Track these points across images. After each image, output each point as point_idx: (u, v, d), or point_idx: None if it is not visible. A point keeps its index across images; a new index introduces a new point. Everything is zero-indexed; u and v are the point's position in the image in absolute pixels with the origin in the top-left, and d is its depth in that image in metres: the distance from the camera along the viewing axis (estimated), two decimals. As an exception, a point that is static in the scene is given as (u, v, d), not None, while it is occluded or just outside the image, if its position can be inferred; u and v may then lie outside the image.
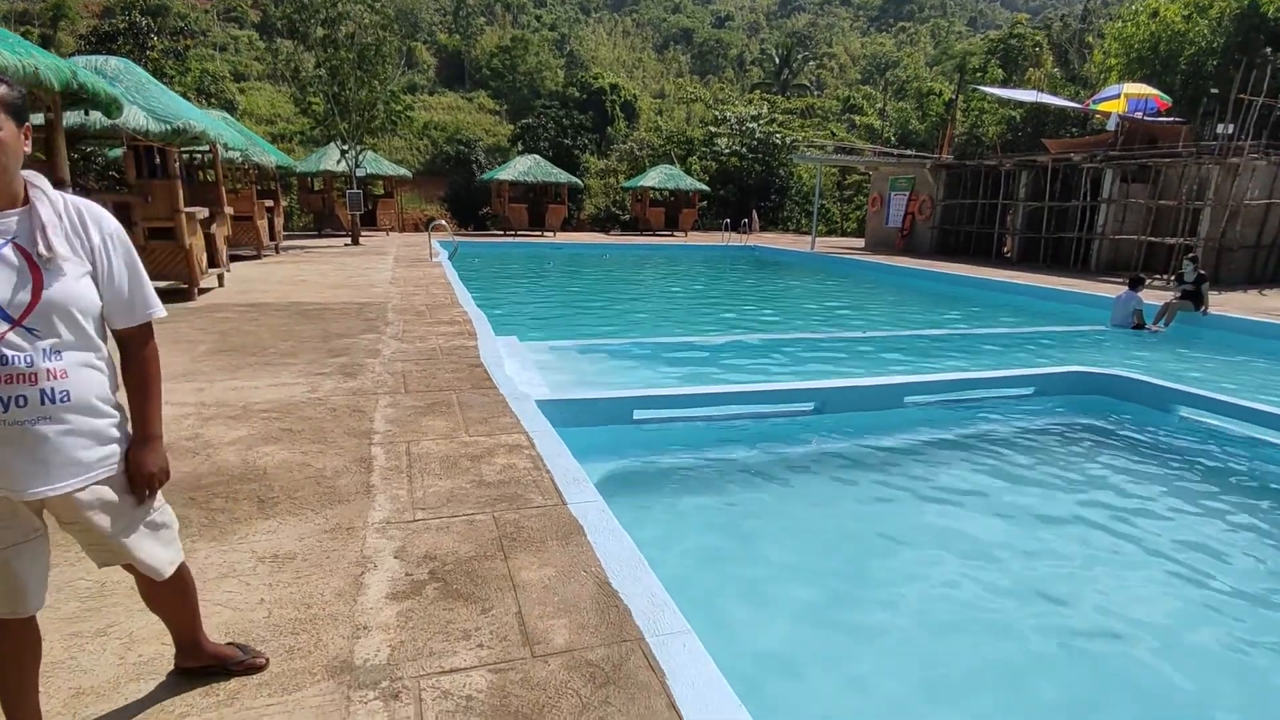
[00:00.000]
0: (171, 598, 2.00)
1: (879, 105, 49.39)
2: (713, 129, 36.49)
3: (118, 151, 13.96)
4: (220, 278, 10.55)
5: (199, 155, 13.74)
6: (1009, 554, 4.05)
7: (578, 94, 41.55)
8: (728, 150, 34.64)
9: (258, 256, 15.16)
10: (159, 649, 2.25)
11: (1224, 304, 12.47)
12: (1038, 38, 40.78)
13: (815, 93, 56.29)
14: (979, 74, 39.37)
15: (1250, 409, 5.90)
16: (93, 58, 9.09)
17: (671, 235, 28.41)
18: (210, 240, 10.13)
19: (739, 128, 35.10)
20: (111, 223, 1.74)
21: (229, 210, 11.78)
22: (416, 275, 12.70)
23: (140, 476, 1.81)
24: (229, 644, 2.17)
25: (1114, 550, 4.10)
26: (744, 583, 3.70)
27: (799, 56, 58.88)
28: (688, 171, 33.48)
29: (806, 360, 8.51)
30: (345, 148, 18.82)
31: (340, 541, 2.97)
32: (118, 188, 14.61)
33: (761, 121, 35.25)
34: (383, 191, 26.19)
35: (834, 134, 41.44)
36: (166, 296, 9.25)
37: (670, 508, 4.50)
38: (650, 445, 5.37)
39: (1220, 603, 3.60)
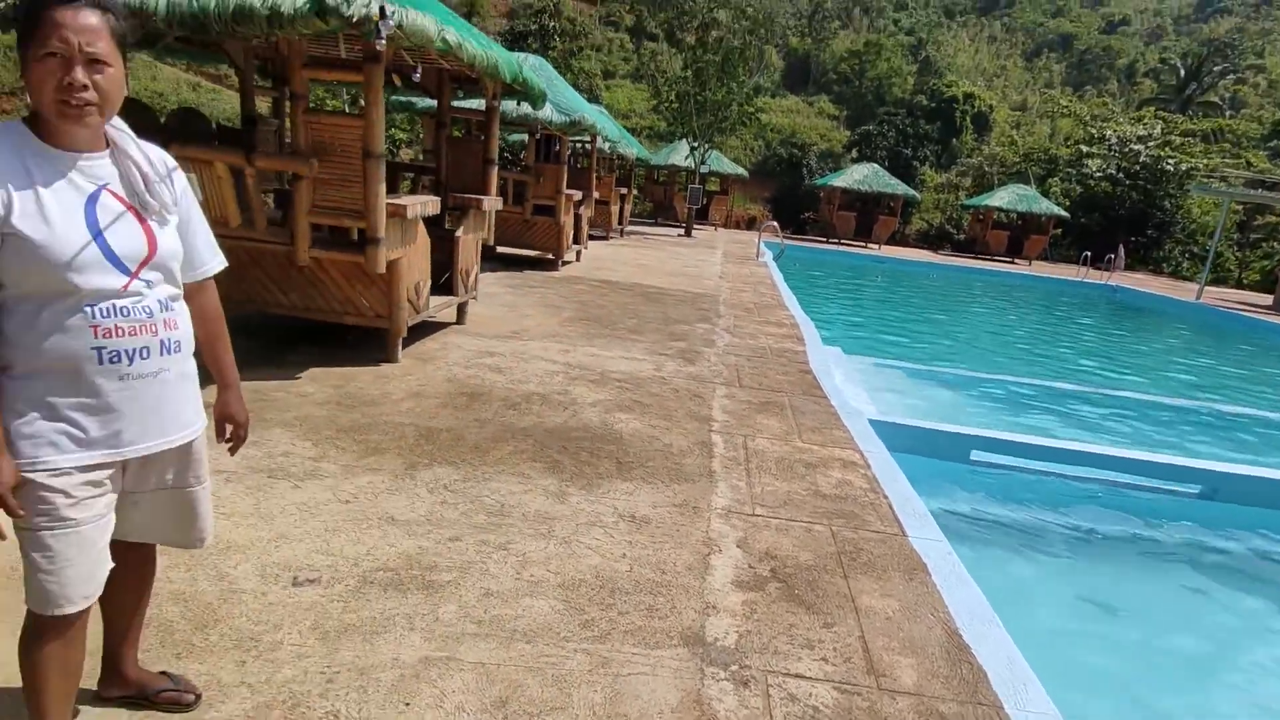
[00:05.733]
0: (144, 582, 1.79)
1: (1323, 132, 39.30)
2: (1084, 148, 32.03)
3: (516, 136, 16.38)
4: (579, 254, 11.93)
5: (579, 144, 15.59)
6: None
7: (925, 102, 39.20)
8: (1099, 173, 30.19)
9: (606, 238, 16.84)
10: (545, 573, 2.60)
11: None
12: None
13: (1230, 113, 46.60)
14: None
15: None
16: (516, 54, 10.69)
17: (1012, 262, 25.76)
18: (578, 220, 11.47)
19: (1120, 149, 30.33)
20: (181, 172, 1.61)
21: (595, 194, 13.21)
22: (744, 273, 13.10)
23: (234, 422, 1.77)
24: (160, 673, 1.86)
25: None
26: (1083, 670, 3.22)
27: (1214, 68, 49.13)
28: (1044, 193, 29.94)
29: (1187, 433, 7.14)
30: (695, 144, 20.01)
31: (687, 518, 3.16)
32: (511, 168, 17.17)
33: (1151, 143, 30.08)
34: (718, 188, 27.42)
35: (1250, 164, 33.99)
36: (536, 265, 10.70)
37: (1003, 566, 4.08)
38: (985, 491, 4.92)
39: None
